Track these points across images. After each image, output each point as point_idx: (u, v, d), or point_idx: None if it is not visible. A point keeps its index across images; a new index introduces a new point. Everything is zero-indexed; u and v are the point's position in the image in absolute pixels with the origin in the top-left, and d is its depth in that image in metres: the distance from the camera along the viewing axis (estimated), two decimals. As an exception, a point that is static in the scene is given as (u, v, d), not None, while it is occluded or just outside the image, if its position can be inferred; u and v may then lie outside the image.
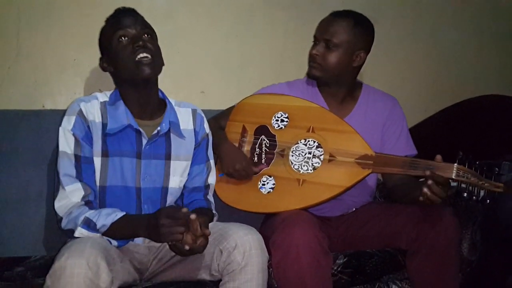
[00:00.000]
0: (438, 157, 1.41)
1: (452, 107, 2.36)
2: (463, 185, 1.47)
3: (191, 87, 2.04)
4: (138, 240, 1.42)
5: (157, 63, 1.42)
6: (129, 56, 1.37)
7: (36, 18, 1.80)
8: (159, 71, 1.45)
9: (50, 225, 1.58)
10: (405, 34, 2.39)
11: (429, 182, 1.35)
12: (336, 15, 1.67)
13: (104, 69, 1.47)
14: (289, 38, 2.15)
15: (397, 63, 2.40)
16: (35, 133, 1.66)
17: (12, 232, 1.58)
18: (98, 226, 1.28)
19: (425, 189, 1.36)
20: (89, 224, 1.28)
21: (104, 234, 1.29)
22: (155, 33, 1.47)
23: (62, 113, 1.44)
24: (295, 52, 2.13)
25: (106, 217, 1.28)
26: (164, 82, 1.96)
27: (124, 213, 1.31)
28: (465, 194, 1.47)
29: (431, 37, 2.45)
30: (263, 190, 1.59)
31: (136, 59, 1.36)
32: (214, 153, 1.63)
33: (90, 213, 1.30)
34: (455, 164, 1.39)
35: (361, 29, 1.67)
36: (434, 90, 2.48)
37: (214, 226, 1.37)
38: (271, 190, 1.58)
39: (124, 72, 1.40)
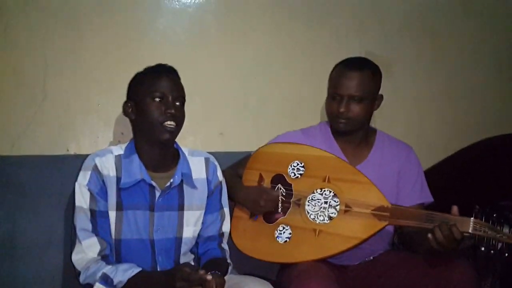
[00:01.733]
0: (455, 208, 1.42)
1: (470, 147, 2.34)
2: (480, 237, 1.46)
3: (210, 129, 2.07)
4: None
5: (179, 130, 1.48)
6: (157, 118, 1.42)
7: (61, 63, 1.87)
8: (177, 136, 1.50)
9: (68, 270, 1.61)
10: (422, 74, 2.39)
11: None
12: (354, 69, 1.67)
13: (126, 114, 1.51)
14: (306, 80, 2.18)
15: (415, 102, 2.40)
16: (59, 178, 1.71)
17: (33, 276, 1.62)
18: (115, 282, 1.31)
19: (430, 235, 1.38)
20: (106, 280, 1.32)
21: None
22: (185, 98, 1.52)
23: (84, 158, 1.49)
24: (312, 94, 2.15)
25: (123, 273, 1.32)
26: (184, 125, 2.00)
27: (141, 269, 1.34)
28: (483, 248, 1.46)
29: (449, 76, 2.45)
30: (279, 240, 1.61)
31: (163, 123, 1.42)
32: (232, 200, 1.65)
33: (107, 269, 1.33)
34: (472, 219, 1.39)
35: (376, 75, 1.72)
36: (454, 128, 2.46)
37: (229, 280, 1.38)
38: (288, 239, 1.60)
39: (145, 127, 1.45)
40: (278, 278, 1.64)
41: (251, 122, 2.12)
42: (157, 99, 1.43)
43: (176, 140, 1.96)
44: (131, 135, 1.57)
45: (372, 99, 1.70)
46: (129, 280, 1.30)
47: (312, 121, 2.15)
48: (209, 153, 1.70)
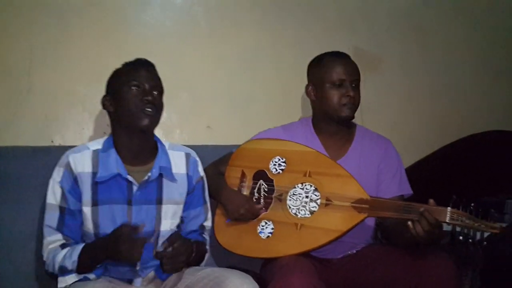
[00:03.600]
0: (431, 201, 1.44)
1: (454, 144, 2.36)
2: (458, 229, 1.48)
3: (197, 122, 2.08)
4: (137, 283, 1.45)
5: (158, 118, 1.48)
6: (135, 104, 1.42)
7: (47, 54, 1.86)
8: (156, 125, 1.50)
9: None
10: (409, 71, 2.41)
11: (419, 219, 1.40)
12: (345, 56, 1.75)
13: (104, 107, 1.51)
14: (294, 75, 2.17)
15: (402, 99, 2.41)
16: (43, 169, 1.70)
17: (18, 268, 1.61)
18: (69, 268, 1.35)
19: (409, 223, 1.40)
20: (63, 271, 1.36)
21: (78, 269, 1.36)
22: (163, 91, 1.53)
23: (68, 149, 1.49)
24: (300, 88, 2.14)
25: (70, 254, 1.37)
26: (172, 118, 2.03)
27: (84, 244, 1.39)
28: (461, 237, 1.47)
29: (435, 73, 2.47)
30: (262, 235, 1.61)
31: (142, 109, 1.42)
32: (214, 199, 1.67)
33: (59, 260, 1.38)
34: (449, 208, 1.41)
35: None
36: (439, 125, 2.48)
37: (211, 273, 1.39)
38: (270, 234, 1.61)
39: (124, 116, 1.45)
40: (261, 272, 1.65)
41: (238, 115, 2.13)
42: (134, 88, 1.44)
43: (163, 133, 1.99)
44: (102, 138, 1.57)
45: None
46: (79, 257, 1.35)
47: (298, 115, 2.17)
48: (196, 146, 1.70)
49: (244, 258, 1.64)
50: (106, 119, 1.88)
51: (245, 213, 1.63)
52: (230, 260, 1.68)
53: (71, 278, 1.37)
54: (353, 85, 1.69)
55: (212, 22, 2.07)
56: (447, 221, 1.40)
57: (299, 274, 1.43)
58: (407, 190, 1.74)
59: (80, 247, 1.38)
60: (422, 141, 2.43)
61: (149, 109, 1.42)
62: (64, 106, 1.89)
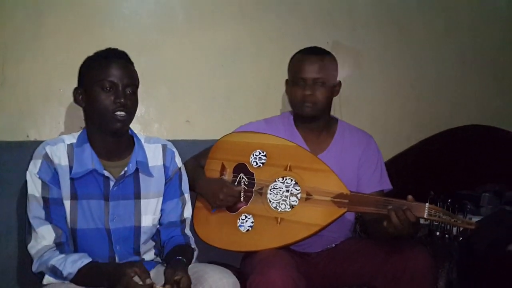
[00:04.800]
0: (410, 197, 1.46)
1: (432, 138, 2.40)
2: (435, 223, 1.50)
3: (176, 116, 2.06)
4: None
5: (131, 118, 1.44)
6: (107, 107, 1.38)
7: (21, 48, 1.81)
8: (129, 123, 1.46)
9: (23, 261, 1.56)
10: (388, 65, 2.44)
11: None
12: (314, 54, 1.73)
13: (76, 102, 1.46)
14: (274, 69, 2.18)
15: (380, 93, 2.44)
16: (17, 164, 1.66)
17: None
18: (64, 274, 1.30)
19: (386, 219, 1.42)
20: (55, 273, 1.30)
21: (72, 281, 1.30)
22: (139, 83, 1.48)
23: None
24: (280, 83, 2.13)
25: (72, 264, 1.30)
26: (150, 112, 2.00)
27: (90, 259, 1.33)
28: (438, 233, 1.50)
29: (414, 68, 2.50)
30: (242, 229, 1.61)
31: (113, 113, 1.38)
32: (193, 191, 1.65)
33: (56, 260, 1.31)
34: (427, 204, 1.43)
35: (334, 61, 1.77)
36: (417, 119, 2.52)
37: (191, 268, 1.38)
38: (250, 228, 1.60)
39: (95, 117, 1.41)
40: (241, 266, 1.65)
41: (218, 110, 2.11)
42: (106, 88, 1.39)
43: (141, 127, 1.96)
44: (77, 132, 1.53)
45: (332, 84, 1.74)
46: (79, 271, 1.29)
47: (278, 109, 2.17)
48: (176, 141, 1.68)
49: (224, 252, 1.63)
50: (81, 114, 1.87)
51: (225, 197, 1.61)
52: (210, 254, 1.67)
53: (58, 284, 1.32)
54: (317, 83, 1.68)
55: (190, 14, 2.04)
56: (425, 216, 1.42)
57: (279, 267, 1.43)
58: (387, 185, 1.76)
59: (84, 261, 1.31)
60: (399, 136, 2.46)
61: (121, 113, 1.38)
62: (40, 100, 1.84)
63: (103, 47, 1.54)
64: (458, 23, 2.56)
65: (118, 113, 1.38)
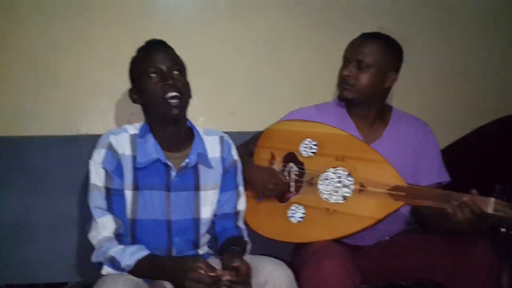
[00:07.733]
0: (474, 191, 1.37)
1: (488, 125, 2.27)
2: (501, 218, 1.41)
3: (221, 108, 2.06)
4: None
5: (185, 101, 1.44)
6: (158, 94, 1.38)
7: (71, 42, 1.85)
8: (187, 107, 1.46)
9: (83, 252, 1.61)
10: (438, 51, 2.33)
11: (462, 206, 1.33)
12: (367, 37, 1.67)
13: (133, 101, 1.49)
14: (319, 58, 2.13)
15: (431, 80, 2.34)
16: (69, 158, 1.71)
17: (48, 258, 1.63)
18: (122, 265, 1.29)
19: (450, 210, 1.34)
20: (114, 264, 1.30)
21: (129, 272, 1.29)
22: (185, 66, 1.48)
23: (95, 138, 1.46)
24: (324, 72, 2.11)
25: (130, 256, 1.29)
26: (195, 105, 1.98)
27: (149, 252, 1.31)
28: (503, 229, 1.42)
29: (466, 53, 2.38)
30: (292, 220, 1.58)
31: (165, 97, 1.38)
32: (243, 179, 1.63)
33: (115, 251, 1.31)
34: (493, 199, 1.34)
35: (391, 50, 1.67)
36: (470, 107, 2.40)
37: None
38: (301, 219, 1.57)
39: (153, 108, 1.42)
40: (292, 258, 1.61)
41: (262, 101, 2.09)
42: (153, 75, 1.39)
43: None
44: (141, 114, 1.54)
45: (381, 71, 1.64)
46: (137, 263, 1.28)
47: (324, 99, 2.12)
48: (221, 133, 1.68)
49: (273, 244, 1.60)
50: (130, 108, 1.89)
51: (274, 187, 1.58)
52: (259, 245, 1.64)
53: (117, 275, 1.30)
54: (361, 66, 1.61)
55: (233, 6, 2.03)
56: (490, 212, 1.33)
57: (332, 260, 1.39)
58: (445, 177, 1.68)
59: (142, 253, 1.30)
60: (452, 124, 2.34)
61: (173, 95, 1.37)
62: (89, 94, 1.89)
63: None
64: (510, 5, 2.43)
65: (169, 95, 1.37)
